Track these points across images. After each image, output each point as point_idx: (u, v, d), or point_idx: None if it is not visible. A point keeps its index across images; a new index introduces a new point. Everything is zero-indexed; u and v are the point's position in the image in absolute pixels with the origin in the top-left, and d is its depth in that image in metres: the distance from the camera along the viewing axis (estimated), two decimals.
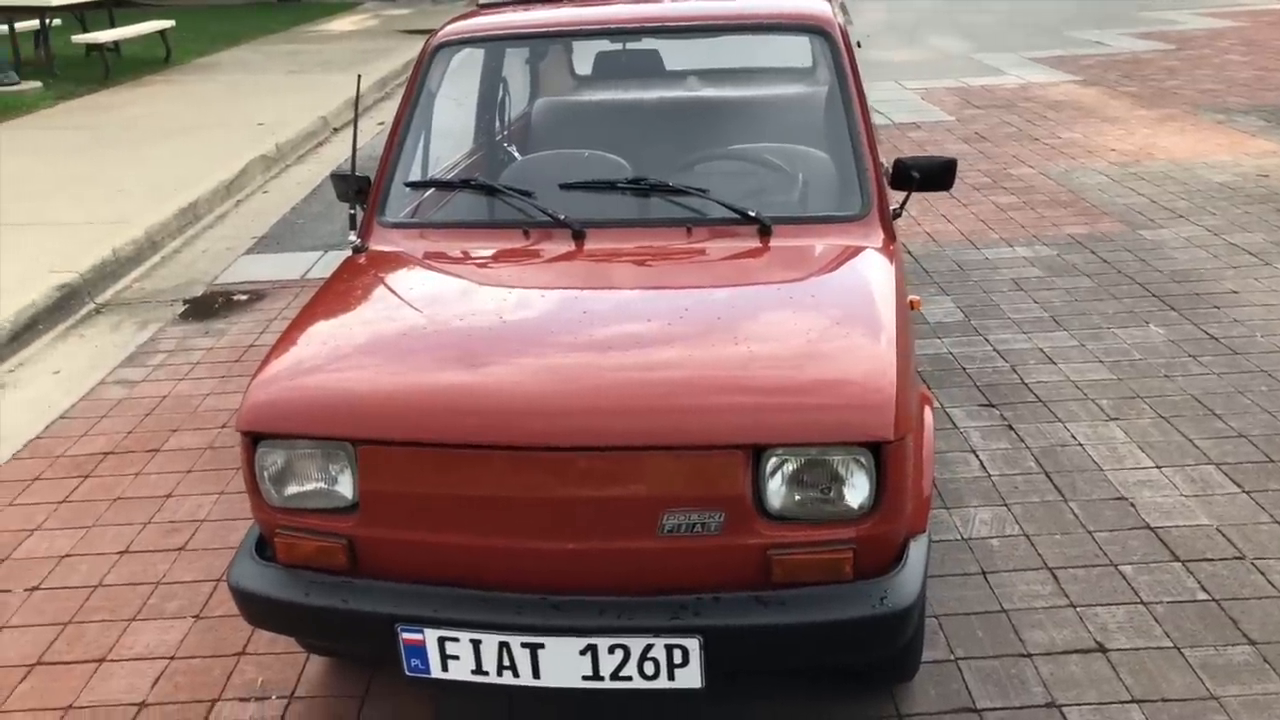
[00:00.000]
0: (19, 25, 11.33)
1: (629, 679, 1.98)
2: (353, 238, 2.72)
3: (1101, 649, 2.54)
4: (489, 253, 2.63)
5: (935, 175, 2.72)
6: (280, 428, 2.06)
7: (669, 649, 1.94)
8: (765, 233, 2.53)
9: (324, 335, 2.30)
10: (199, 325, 4.94)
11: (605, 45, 3.63)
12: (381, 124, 9.56)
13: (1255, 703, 2.35)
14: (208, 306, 5.19)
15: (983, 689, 2.44)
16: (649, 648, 1.95)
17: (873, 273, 2.39)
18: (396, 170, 2.80)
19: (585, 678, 1.98)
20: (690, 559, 1.97)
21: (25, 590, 2.99)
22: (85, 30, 12.05)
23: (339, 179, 2.91)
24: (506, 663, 1.99)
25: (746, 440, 1.93)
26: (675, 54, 3.80)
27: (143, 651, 2.72)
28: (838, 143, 2.73)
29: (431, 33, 3.03)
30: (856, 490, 1.95)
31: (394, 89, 11.39)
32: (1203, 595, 2.71)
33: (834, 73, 2.75)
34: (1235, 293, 4.62)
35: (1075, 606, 2.69)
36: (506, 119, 3.77)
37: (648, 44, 3.55)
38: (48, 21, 11.43)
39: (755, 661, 2.06)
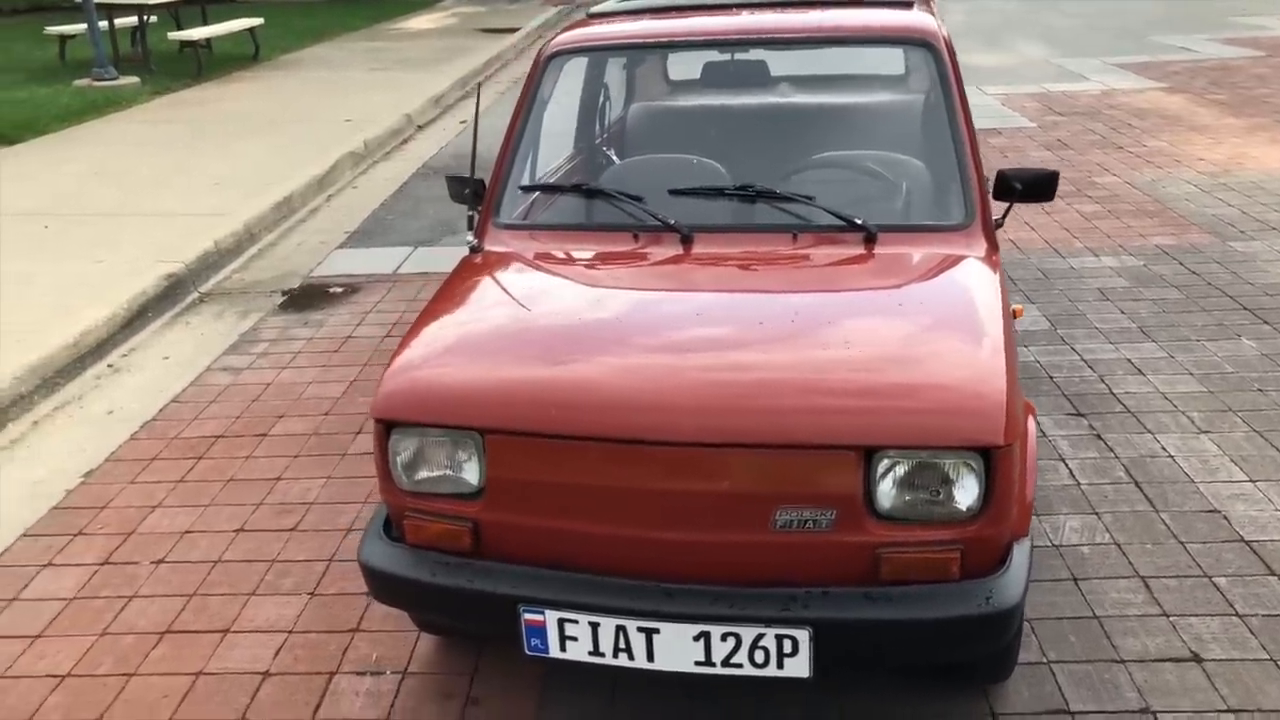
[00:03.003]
0: (118, 22, 11.74)
1: (739, 666, 2.06)
2: (470, 238, 2.84)
3: (1196, 659, 2.57)
4: (601, 254, 2.73)
5: (1037, 187, 2.77)
6: (413, 416, 2.19)
7: (779, 639, 2.03)
8: (870, 240, 2.61)
9: (451, 330, 2.42)
10: (298, 316, 5.13)
11: (714, 55, 3.71)
12: (463, 122, 9.76)
13: None
14: (305, 298, 5.38)
15: (1076, 692, 2.48)
16: (760, 636, 2.03)
17: (978, 281, 2.45)
18: (511, 174, 2.92)
19: (698, 663, 2.08)
20: (801, 554, 2.05)
21: (152, 563, 3.17)
22: (180, 27, 12.45)
23: (454, 180, 3.04)
24: (622, 645, 2.09)
25: (860, 441, 2.00)
26: (772, 60, 3.86)
27: (263, 625, 2.87)
28: (943, 153, 2.79)
29: (545, 41, 3.14)
30: (966, 493, 2.02)
31: (474, 87, 11.62)
32: None
33: (940, 85, 2.80)
34: None
35: (1168, 616, 2.72)
36: (606, 124, 3.88)
37: (755, 55, 3.62)
38: (146, 18, 11.83)
39: (862, 655, 2.13)
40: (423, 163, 8.18)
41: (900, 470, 2.02)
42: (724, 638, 2.04)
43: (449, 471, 2.20)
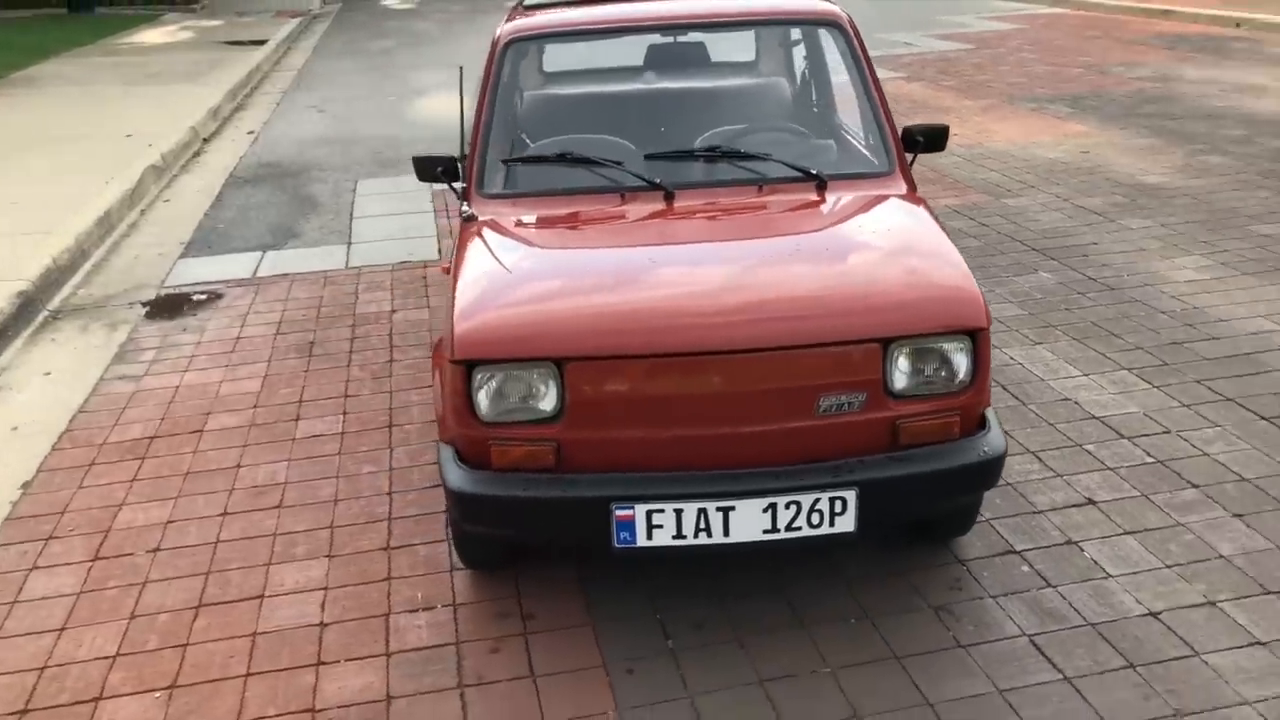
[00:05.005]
0: None
1: (799, 529, 2.50)
2: (465, 208, 3.11)
3: (1092, 502, 3.25)
4: (594, 211, 3.07)
5: (934, 139, 3.37)
6: (496, 354, 2.47)
7: (832, 501, 2.48)
8: (822, 187, 3.11)
9: (497, 280, 2.69)
10: (173, 323, 5.05)
11: (655, 39, 4.08)
12: (251, 132, 9.57)
13: (1210, 525, 3.12)
14: (170, 306, 5.29)
15: (1015, 537, 3.10)
16: (816, 501, 2.47)
17: (919, 210, 3.02)
18: (489, 149, 3.21)
19: (765, 531, 2.49)
20: (840, 432, 2.52)
21: (148, 551, 3.19)
22: None
23: (422, 160, 3.28)
24: (703, 526, 2.47)
25: (881, 335, 2.49)
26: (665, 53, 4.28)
27: (294, 587, 3.00)
28: (863, 113, 3.34)
29: (498, 29, 3.44)
30: (960, 368, 2.55)
31: (244, 99, 11.32)
32: (1149, 459, 3.48)
33: (851, 57, 3.37)
34: (1095, 244, 5.56)
35: (1061, 476, 3.40)
36: (512, 107, 4.18)
37: (694, 38, 4.03)
38: None
39: (894, 507, 2.61)
40: (229, 173, 8.02)
41: (910, 355, 2.53)
42: (788, 505, 2.47)
43: (528, 400, 2.49)
